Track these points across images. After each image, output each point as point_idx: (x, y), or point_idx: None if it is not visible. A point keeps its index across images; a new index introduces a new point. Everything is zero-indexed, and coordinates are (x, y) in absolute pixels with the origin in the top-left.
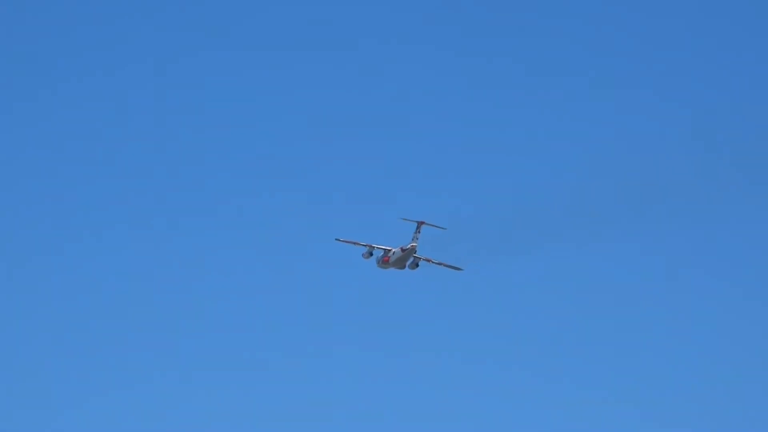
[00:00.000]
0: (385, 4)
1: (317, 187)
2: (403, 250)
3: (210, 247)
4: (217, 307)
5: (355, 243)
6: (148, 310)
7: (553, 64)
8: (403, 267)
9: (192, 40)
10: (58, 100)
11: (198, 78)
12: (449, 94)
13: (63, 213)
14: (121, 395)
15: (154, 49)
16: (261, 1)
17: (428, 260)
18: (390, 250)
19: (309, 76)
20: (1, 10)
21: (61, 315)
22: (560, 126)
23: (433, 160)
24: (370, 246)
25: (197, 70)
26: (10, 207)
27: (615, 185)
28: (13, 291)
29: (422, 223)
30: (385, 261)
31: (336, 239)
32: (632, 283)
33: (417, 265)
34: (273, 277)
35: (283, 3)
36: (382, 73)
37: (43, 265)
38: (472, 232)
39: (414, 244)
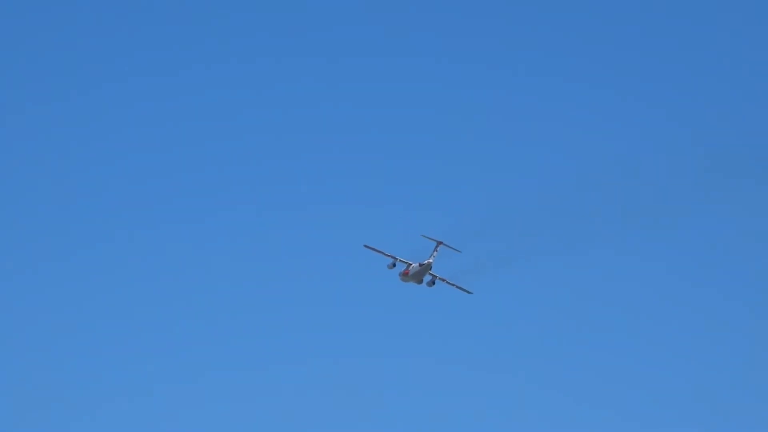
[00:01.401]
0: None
1: (343, 194)
2: (420, 265)
3: (222, 251)
4: (226, 310)
5: (381, 252)
6: (158, 313)
7: (546, 70)
8: (421, 282)
9: (196, 46)
10: (60, 104)
11: (217, 85)
12: (442, 100)
13: (65, 215)
14: (122, 396)
15: (156, 52)
16: (261, 6)
17: (443, 280)
18: (410, 264)
19: (319, 80)
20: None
21: (62, 315)
22: (555, 130)
23: (427, 169)
24: (395, 258)
25: (207, 76)
26: (13, 208)
27: (608, 192)
28: (13, 291)
29: (440, 243)
30: (405, 274)
31: (365, 246)
32: (627, 290)
33: (434, 283)
34: (284, 282)
35: (285, 9)
36: (379, 79)
37: (44, 265)
38: (471, 241)
39: (430, 261)
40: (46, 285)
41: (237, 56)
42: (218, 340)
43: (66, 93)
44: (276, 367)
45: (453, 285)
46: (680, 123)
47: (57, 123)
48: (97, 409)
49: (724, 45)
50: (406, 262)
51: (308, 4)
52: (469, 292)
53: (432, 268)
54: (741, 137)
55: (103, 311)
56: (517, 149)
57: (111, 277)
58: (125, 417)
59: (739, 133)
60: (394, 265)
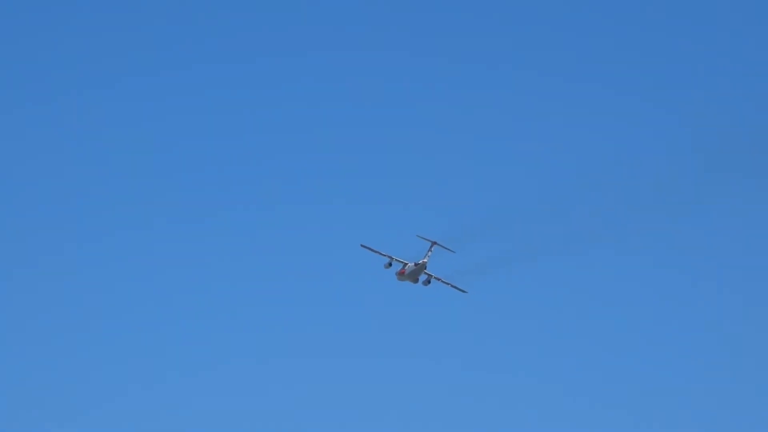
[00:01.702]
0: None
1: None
2: (416, 264)
3: (219, 251)
4: (223, 309)
5: (377, 252)
6: (157, 312)
7: (542, 69)
8: (416, 281)
9: (194, 46)
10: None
11: (219, 84)
12: (434, 102)
13: (62, 215)
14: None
15: (156, 54)
16: (259, 7)
17: (438, 279)
18: (406, 264)
19: (315, 80)
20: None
21: (59, 315)
22: (551, 129)
23: (424, 170)
24: (391, 257)
25: (207, 76)
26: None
27: (606, 191)
28: (11, 291)
29: (435, 243)
30: (401, 273)
31: (361, 245)
32: (624, 289)
33: (429, 282)
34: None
35: (283, 8)
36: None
37: (41, 265)
38: (465, 241)
39: (425, 260)
40: (43, 284)
41: (237, 56)
42: (214, 339)
43: (65, 93)
44: (273, 366)
45: (448, 284)
46: (679, 122)
47: (58, 123)
48: (94, 409)
49: (723, 43)
50: (402, 262)
51: (307, 4)
52: (463, 291)
53: (427, 268)
54: (740, 136)
55: (100, 310)
56: (513, 148)
57: (108, 276)
58: (124, 417)
59: (737, 131)
60: (390, 264)
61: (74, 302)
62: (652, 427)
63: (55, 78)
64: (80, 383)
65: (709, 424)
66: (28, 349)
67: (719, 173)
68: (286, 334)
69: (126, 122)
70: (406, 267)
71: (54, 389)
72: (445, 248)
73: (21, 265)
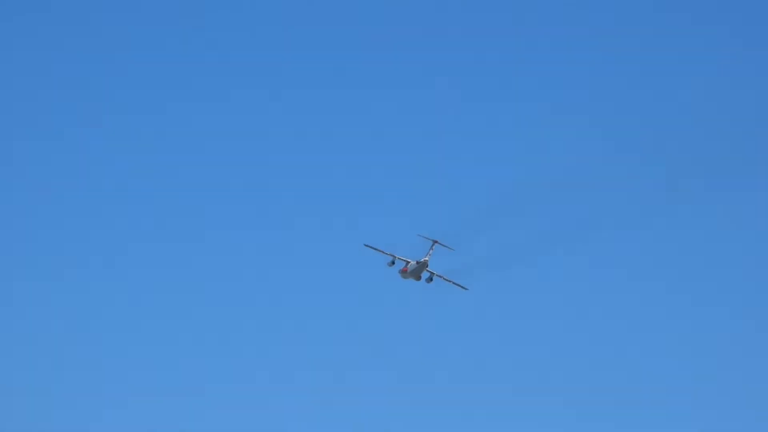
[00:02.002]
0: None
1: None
2: (417, 263)
3: (223, 251)
4: (229, 309)
5: (380, 251)
6: (159, 311)
7: (542, 70)
8: (419, 278)
9: (191, 43)
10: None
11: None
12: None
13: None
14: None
15: (154, 53)
16: (259, 7)
17: (440, 276)
18: (408, 262)
19: (318, 78)
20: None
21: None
22: (548, 129)
23: (425, 170)
24: (394, 256)
25: (208, 76)
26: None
27: (601, 188)
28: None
29: (436, 241)
30: (403, 271)
31: (365, 245)
32: (622, 285)
33: (431, 280)
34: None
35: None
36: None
37: (36, 266)
38: (466, 239)
39: (426, 259)
40: (41, 284)
41: (237, 56)
42: (216, 337)
43: (65, 91)
44: (276, 363)
45: (450, 281)
46: (679, 122)
47: (56, 122)
48: (94, 409)
49: (723, 43)
50: (404, 260)
51: (307, 4)
52: (464, 288)
53: (429, 266)
54: (739, 137)
55: (99, 310)
56: (513, 148)
57: (107, 276)
58: (123, 416)
59: (737, 132)
60: (393, 263)
61: (73, 302)
62: (653, 426)
63: (54, 77)
64: (80, 383)
65: (708, 424)
66: (27, 349)
67: (718, 173)
68: (291, 332)
69: (123, 122)
70: (408, 265)
71: (54, 389)
72: (446, 246)
73: (18, 265)
